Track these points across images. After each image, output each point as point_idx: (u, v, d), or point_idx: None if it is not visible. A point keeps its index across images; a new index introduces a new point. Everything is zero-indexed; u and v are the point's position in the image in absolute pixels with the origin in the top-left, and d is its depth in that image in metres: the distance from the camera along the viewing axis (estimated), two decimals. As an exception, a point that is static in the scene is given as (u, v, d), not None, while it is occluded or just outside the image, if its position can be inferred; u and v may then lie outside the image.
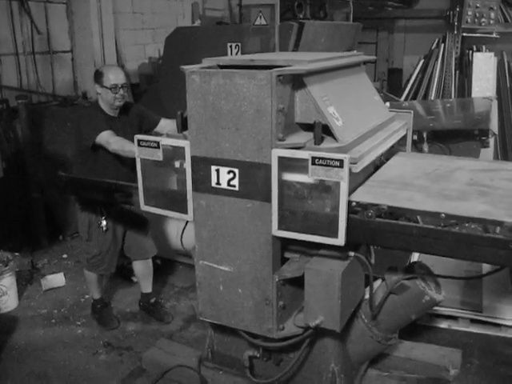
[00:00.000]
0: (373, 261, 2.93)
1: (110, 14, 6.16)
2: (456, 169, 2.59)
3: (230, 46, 4.24)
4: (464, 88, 6.69)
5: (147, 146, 2.40)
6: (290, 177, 2.11)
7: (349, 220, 2.07)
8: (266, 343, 2.55)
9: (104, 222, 3.39)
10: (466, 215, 2.05)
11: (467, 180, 2.43)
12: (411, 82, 6.81)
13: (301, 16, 4.61)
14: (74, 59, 6.01)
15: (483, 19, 5.61)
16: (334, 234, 2.07)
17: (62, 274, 4.34)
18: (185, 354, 3.05)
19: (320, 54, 2.72)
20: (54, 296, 4.12)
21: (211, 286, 2.44)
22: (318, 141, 2.13)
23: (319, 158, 2.00)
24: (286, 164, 2.09)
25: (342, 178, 1.98)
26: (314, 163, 2.01)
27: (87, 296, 4.03)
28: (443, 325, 3.63)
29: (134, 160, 2.49)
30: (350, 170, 2.09)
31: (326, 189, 2.06)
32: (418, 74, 6.81)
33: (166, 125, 3.46)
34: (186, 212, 2.39)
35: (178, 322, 3.67)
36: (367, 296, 2.71)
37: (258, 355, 2.69)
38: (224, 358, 2.91)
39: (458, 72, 6.73)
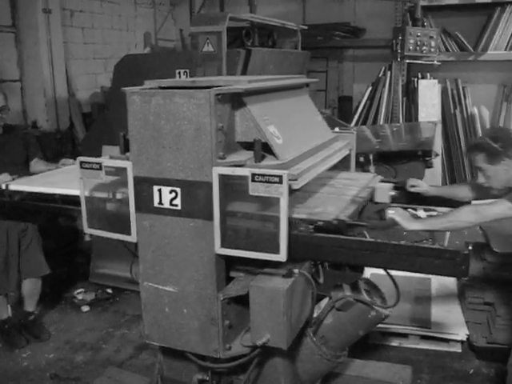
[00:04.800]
0: (321, 280, 2.96)
1: (61, 44, 6.15)
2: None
3: (179, 73, 4.28)
4: (411, 113, 6.93)
5: (90, 168, 2.38)
6: (231, 194, 2.13)
7: (290, 236, 2.10)
8: (214, 365, 2.52)
9: None
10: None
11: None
12: (360, 108, 7.01)
13: (249, 44, 4.70)
14: (24, 88, 5.95)
15: (424, 47, 5.85)
16: (276, 251, 2.09)
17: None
18: (134, 382, 2.99)
19: (262, 77, 2.78)
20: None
21: (157, 308, 2.41)
22: (258, 158, 2.16)
23: (259, 175, 2.03)
24: (226, 182, 2.11)
25: (282, 193, 2.01)
26: (253, 180, 2.04)
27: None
28: (394, 343, 3.68)
29: None
30: (290, 186, 2.14)
31: (266, 205, 2.08)
32: (367, 100, 7.02)
33: (36, 163, 3.68)
34: (129, 233, 2.37)
35: (128, 350, 3.61)
36: (315, 314, 2.73)
37: (208, 378, 2.65)
38: (174, 383, 2.85)
39: (405, 98, 6.97)
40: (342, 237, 2.16)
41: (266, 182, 2.02)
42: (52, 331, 3.85)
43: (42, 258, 3.65)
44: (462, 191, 2.92)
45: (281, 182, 2.00)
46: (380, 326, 3.57)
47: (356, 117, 7.03)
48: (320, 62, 8.07)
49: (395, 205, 2.85)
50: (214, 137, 2.09)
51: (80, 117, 6.52)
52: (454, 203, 2.81)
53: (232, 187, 2.12)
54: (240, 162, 2.15)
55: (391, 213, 2.57)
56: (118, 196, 2.42)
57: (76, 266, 4.91)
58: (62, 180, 3.04)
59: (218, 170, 2.09)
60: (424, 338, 3.64)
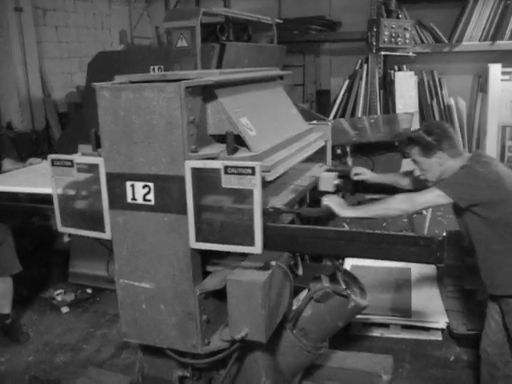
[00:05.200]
0: (300, 272, 2.95)
1: (34, 43, 6.07)
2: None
3: (153, 69, 4.24)
4: (388, 105, 6.97)
5: (61, 166, 2.35)
6: (205, 187, 2.11)
7: (265, 228, 2.09)
8: (194, 361, 2.50)
9: None
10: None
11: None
12: (338, 101, 7.03)
13: (223, 39, 4.68)
14: (-3, 89, 5.87)
15: (399, 39, 5.88)
16: (251, 243, 2.07)
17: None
18: (114, 381, 2.96)
19: (233, 70, 2.77)
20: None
21: (133, 305, 2.38)
22: (231, 151, 2.14)
23: (231, 167, 2.01)
24: (199, 175, 2.09)
25: (255, 185, 1.99)
26: (226, 172, 2.02)
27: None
28: (375, 333, 3.69)
29: None
30: (263, 178, 2.13)
31: (240, 197, 2.07)
32: (345, 93, 7.04)
33: (5, 163, 3.61)
34: (103, 230, 2.34)
35: (109, 350, 3.57)
36: (295, 307, 2.72)
37: (188, 375, 2.64)
38: (155, 380, 2.82)
39: (382, 91, 7.00)
40: (317, 227, 2.17)
41: (238, 174, 2.00)
42: (31, 333, 3.80)
43: (15, 256, 3.59)
44: (403, 180, 3.00)
45: (253, 173, 1.98)
46: (361, 316, 3.58)
47: (334, 110, 7.04)
48: (297, 57, 8.08)
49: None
50: (186, 130, 2.07)
51: (56, 117, 6.45)
52: (396, 190, 2.89)
53: (205, 180, 2.10)
54: (212, 155, 2.14)
55: (325, 200, 2.61)
56: (91, 193, 2.39)
57: (55, 267, 4.85)
58: (27, 179, 3.00)
59: (191, 164, 2.07)
60: (405, 327, 3.66)
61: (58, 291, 4.33)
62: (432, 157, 2.70)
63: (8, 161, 3.64)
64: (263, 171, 2.12)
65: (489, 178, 2.57)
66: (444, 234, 2.05)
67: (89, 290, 4.31)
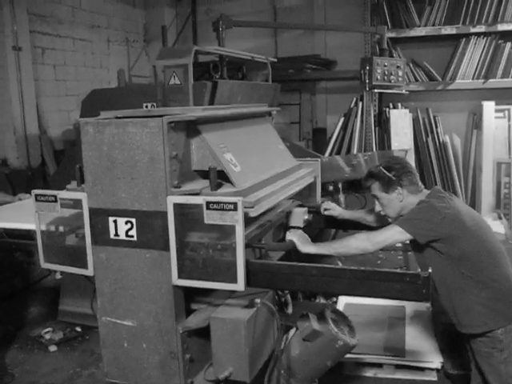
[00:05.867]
0: (290, 311, 2.91)
1: (31, 81, 6.12)
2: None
3: (146, 106, 4.26)
4: (384, 142, 6.99)
5: (45, 201, 2.34)
6: (187, 223, 2.09)
7: (248, 264, 2.06)
8: (178, 402, 2.43)
9: None
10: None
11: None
12: (333, 139, 7.04)
13: (217, 77, 4.72)
14: (-7, 126, 5.90)
15: (392, 77, 5.93)
16: (234, 280, 2.04)
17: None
18: (98, 424, 2.88)
19: (219, 106, 2.78)
20: None
21: (115, 344, 2.33)
22: (214, 186, 2.13)
23: (213, 203, 2.00)
24: (182, 211, 2.07)
25: (237, 221, 1.98)
26: (208, 208, 2.01)
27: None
28: (369, 373, 3.60)
29: None
30: (247, 214, 2.11)
31: (222, 233, 2.05)
32: (340, 131, 7.07)
33: None
34: (86, 267, 2.31)
35: (95, 391, 3.49)
36: (283, 346, 2.66)
37: (173, 417, 2.56)
38: (139, 423, 2.75)
39: (377, 128, 7.03)
40: (300, 264, 2.13)
41: (220, 209, 1.99)
42: (16, 373, 3.71)
43: None
44: (369, 216, 3.04)
45: (235, 209, 1.97)
46: (354, 356, 3.51)
47: (330, 147, 7.05)
48: (293, 95, 8.16)
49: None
50: (168, 165, 2.07)
51: (52, 154, 6.46)
52: (364, 227, 2.97)
53: (188, 216, 2.09)
54: (195, 191, 2.13)
55: (289, 234, 2.61)
56: (75, 229, 2.37)
57: (45, 305, 4.78)
58: (12, 214, 2.98)
59: (173, 199, 2.06)
60: (399, 367, 3.57)
61: (47, 329, 4.26)
62: (392, 192, 2.71)
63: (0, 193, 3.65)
64: (247, 207, 2.11)
65: (447, 213, 2.55)
66: (430, 270, 2.01)
67: (78, 329, 4.23)
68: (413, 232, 2.52)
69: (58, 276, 5.06)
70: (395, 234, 2.53)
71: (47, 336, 4.17)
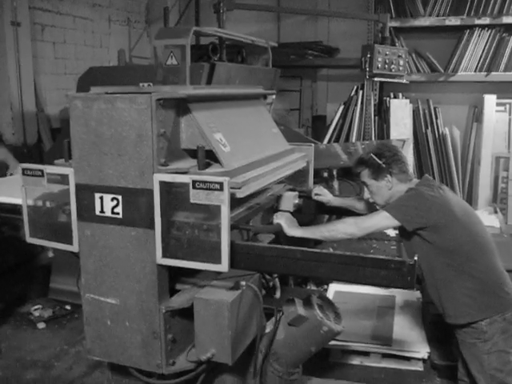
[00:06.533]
0: (278, 295, 2.90)
1: (29, 58, 6.07)
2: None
3: (143, 86, 4.22)
4: (383, 132, 6.94)
5: (32, 175, 2.31)
6: (173, 202, 2.07)
7: (232, 245, 2.04)
8: (160, 381, 2.42)
9: None
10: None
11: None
12: (332, 126, 7.00)
13: (215, 59, 4.67)
14: (-10, 102, 5.86)
15: (393, 66, 5.88)
16: (218, 260, 2.03)
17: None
18: (81, 401, 2.88)
19: (211, 86, 2.74)
20: None
21: (99, 321, 2.32)
22: (202, 166, 2.10)
23: (200, 182, 1.97)
24: (168, 189, 2.05)
25: (223, 201, 1.95)
26: (194, 187, 1.98)
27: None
28: (355, 361, 3.60)
29: None
30: (234, 195, 2.09)
31: (207, 213, 2.03)
32: (339, 119, 7.02)
33: None
34: (71, 243, 2.29)
35: (81, 368, 3.48)
36: (268, 330, 2.65)
37: (155, 396, 2.55)
38: (122, 401, 2.74)
39: (377, 118, 6.99)
40: (285, 247, 2.11)
41: (207, 189, 1.97)
42: (2, 348, 3.71)
43: None
44: (359, 204, 3.01)
45: (221, 189, 1.94)
46: (341, 343, 3.50)
47: (328, 135, 7.01)
48: (294, 82, 8.10)
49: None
50: (156, 143, 2.04)
51: (49, 132, 6.42)
52: (354, 214, 2.92)
53: (174, 195, 2.07)
54: (182, 169, 2.10)
55: (276, 217, 2.60)
56: (61, 204, 2.35)
57: (36, 282, 4.78)
58: (1, 188, 2.96)
59: (159, 177, 2.03)
60: (386, 356, 3.57)
61: (36, 306, 4.26)
62: (381, 180, 2.69)
63: None
64: (234, 188, 2.09)
65: (435, 201, 2.53)
66: (416, 257, 1.99)
67: (68, 307, 4.23)
68: (400, 218, 2.50)
69: (51, 254, 5.06)
70: (383, 220, 2.51)
71: (36, 313, 4.17)
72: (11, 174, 3.37)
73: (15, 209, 2.56)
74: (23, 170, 2.33)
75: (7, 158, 3.86)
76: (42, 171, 2.28)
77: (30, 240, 2.41)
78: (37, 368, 3.51)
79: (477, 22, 6.48)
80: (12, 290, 4.64)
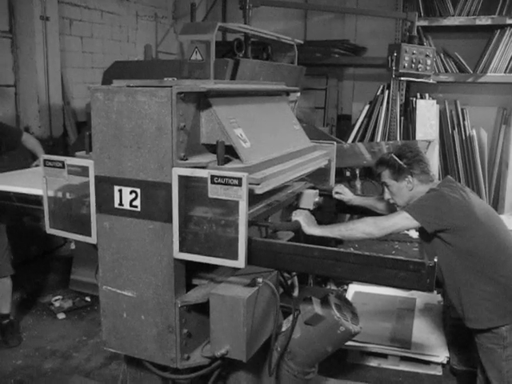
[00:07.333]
0: (296, 293, 2.87)
1: (57, 52, 6.14)
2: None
3: (166, 80, 4.23)
4: (409, 132, 6.85)
5: (53, 166, 2.33)
6: (191, 197, 2.06)
7: (250, 242, 2.03)
8: (174, 376, 2.42)
9: None
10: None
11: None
12: (357, 126, 6.93)
13: (240, 55, 4.66)
14: (18, 94, 5.94)
15: (420, 65, 5.79)
16: (235, 256, 2.01)
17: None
18: (97, 392, 2.90)
19: (233, 81, 2.73)
20: None
21: (115, 313, 2.33)
22: (221, 161, 2.09)
23: (218, 177, 1.96)
24: (186, 184, 2.04)
25: (241, 196, 1.94)
26: (213, 182, 1.97)
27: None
28: (373, 363, 3.56)
29: None
30: (252, 191, 2.08)
31: (225, 209, 2.01)
32: (364, 118, 6.95)
33: (28, 138, 3.88)
34: (89, 234, 2.30)
35: (99, 360, 3.52)
36: (284, 328, 2.63)
37: (170, 390, 2.56)
38: (137, 394, 2.75)
39: (402, 118, 6.90)
40: (302, 245, 2.09)
41: (225, 184, 1.95)
42: (24, 337, 3.77)
43: (6, 259, 3.58)
44: (380, 203, 2.96)
45: (240, 184, 1.92)
46: (359, 344, 3.47)
47: (353, 134, 6.95)
48: (320, 80, 8.06)
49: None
50: (175, 136, 2.03)
51: (74, 125, 6.50)
52: (374, 214, 2.87)
53: (192, 189, 2.06)
54: (201, 164, 2.09)
55: (295, 214, 2.56)
56: (81, 196, 2.37)
57: (58, 273, 4.84)
58: (25, 179, 3.00)
59: (178, 171, 2.03)
60: (404, 359, 3.52)
61: (57, 297, 4.31)
62: (402, 181, 2.65)
63: (29, 136, 3.91)
64: (253, 184, 2.07)
65: (456, 203, 2.48)
66: (435, 259, 1.95)
67: (87, 298, 4.28)
68: (420, 219, 2.45)
69: (73, 246, 5.12)
70: (402, 221, 2.47)
71: (57, 304, 4.22)
72: (36, 165, 3.42)
73: (36, 199, 2.58)
74: (44, 161, 2.35)
75: (36, 148, 3.92)
76: (62, 163, 2.30)
77: (49, 231, 2.43)
78: (56, 358, 3.55)
79: (508, 21, 6.34)
80: (34, 280, 4.72)
